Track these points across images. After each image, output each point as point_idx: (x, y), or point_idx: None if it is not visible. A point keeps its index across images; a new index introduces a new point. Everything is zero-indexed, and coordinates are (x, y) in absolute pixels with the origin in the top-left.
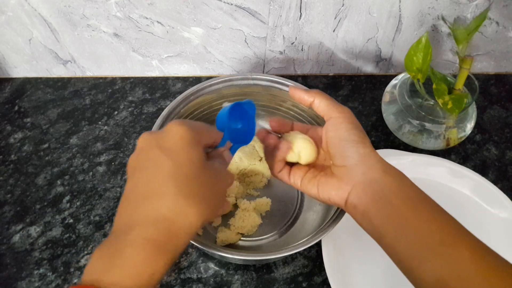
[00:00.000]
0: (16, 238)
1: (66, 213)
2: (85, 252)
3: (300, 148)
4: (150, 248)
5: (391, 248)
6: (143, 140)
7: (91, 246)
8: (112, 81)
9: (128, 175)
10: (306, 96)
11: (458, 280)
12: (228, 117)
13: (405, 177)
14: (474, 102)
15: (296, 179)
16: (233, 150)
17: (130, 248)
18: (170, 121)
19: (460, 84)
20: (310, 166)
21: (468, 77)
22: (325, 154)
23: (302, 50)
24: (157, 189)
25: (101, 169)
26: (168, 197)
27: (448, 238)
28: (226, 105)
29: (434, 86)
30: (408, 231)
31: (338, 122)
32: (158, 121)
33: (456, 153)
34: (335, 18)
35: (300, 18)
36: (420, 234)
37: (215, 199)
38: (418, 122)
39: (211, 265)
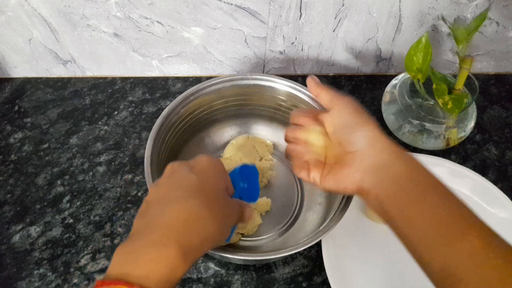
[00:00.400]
0: (16, 238)
1: (66, 213)
2: (85, 252)
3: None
4: (174, 248)
5: (401, 233)
6: (173, 165)
7: (91, 246)
8: (112, 81)
9: (153, 188)
10: (315, 87)
11: (465, 269)
12: (239, 175)
13: (415, 161)
14: (474, 102)
15: (315, 176)
16: None
17: (156, 247)
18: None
19: (460, 84)
20: (324, 161)
21: (468, 77)
22: (334, 145)
23: (302, 50)
24: (183, 198)
25: (101, 169)
26: (193, 205)
27: (457, 226)
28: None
29: (434, 86)
30: (417, 217)
31: (340, 108)
32: (158, 121)
33: (456, 153)
34: (335, 18)
35: (300, 18)
36: (429, 221)
37: (226, 226)
38: (418, 122)
39: (211, 265)
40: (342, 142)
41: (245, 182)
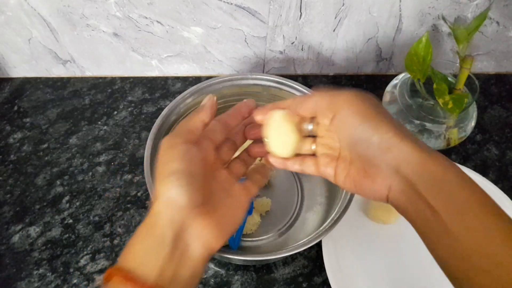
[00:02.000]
0: (16, 238)
1: (66, 213)
2: (85, 252)
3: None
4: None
5: (433, 251)
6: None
7: (90, 246)
8: (112, 81)
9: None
10: (305, 113)
11: None
12: None
13: (450, 167)
14: (474, 102)
15: (327, 170)
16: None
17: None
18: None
19: (460, 84)
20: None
21: (469, 77)
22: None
23: (302, 49)
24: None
25: (100, 169)
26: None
27: (502, 252)
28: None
29: (434, 86)
30: (454, 239)
31: (342, 118)
32: (158, 121)
33: (457, 153)
34: (335, 18)
35: (300, 18)
36: (467, 243)
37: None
38: (418, 122)
39: (211, 265)
40: (358, 157)
41: None
